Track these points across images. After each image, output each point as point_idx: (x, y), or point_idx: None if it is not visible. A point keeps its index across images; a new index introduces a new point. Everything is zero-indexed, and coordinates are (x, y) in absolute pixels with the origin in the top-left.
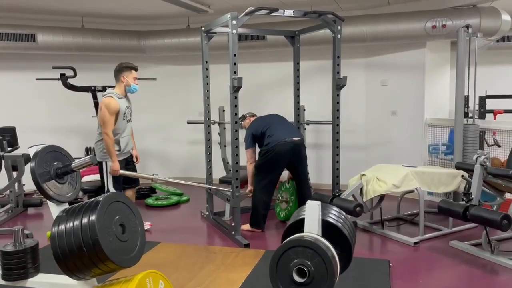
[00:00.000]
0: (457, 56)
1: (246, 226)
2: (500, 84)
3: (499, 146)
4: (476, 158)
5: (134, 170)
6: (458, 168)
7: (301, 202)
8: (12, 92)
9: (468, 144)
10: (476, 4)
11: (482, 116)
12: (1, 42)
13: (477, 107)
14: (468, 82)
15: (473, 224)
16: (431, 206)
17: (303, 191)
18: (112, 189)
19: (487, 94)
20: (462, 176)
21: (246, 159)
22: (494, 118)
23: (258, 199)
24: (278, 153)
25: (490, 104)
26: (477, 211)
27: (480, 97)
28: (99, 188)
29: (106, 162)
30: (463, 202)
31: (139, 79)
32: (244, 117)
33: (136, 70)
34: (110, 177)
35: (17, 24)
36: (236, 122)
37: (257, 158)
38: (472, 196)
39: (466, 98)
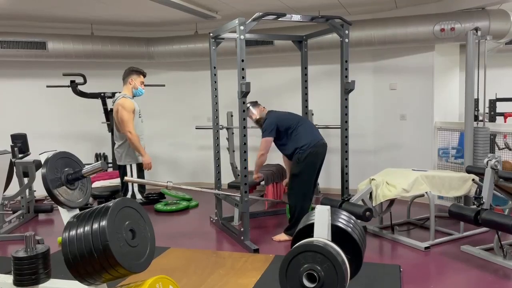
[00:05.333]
0: (466, 59)
1: (283, 236)
2: (510, 86)
3: (510, 149)
4: (487, 162)
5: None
6: (468, 171)
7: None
8: (23, 99)
9: (479, 147)
10: (485, 7)
11: (492, 119)
12: (12, 50)
13: (487, 110)
14: (478, 85)
15: (484, 229)
16: (442, 210)
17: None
18: (137, 193)
19: (497, 97)
20: (473, 180)
21: (260, 148)
22: (505, 121)
23: (303, 209)
24: (319, 155)
25: (501, 107)
26: (489, 215)
27: (490, 100)
28: (114, 192)
29: (131, 165)
30: (474, 206)
31: (147, 85)
32: (254, 103)
33: (144, 75)
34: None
35: (27, 32)
36: (244, 127)
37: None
38: (483, 200)
39: (476, 101)
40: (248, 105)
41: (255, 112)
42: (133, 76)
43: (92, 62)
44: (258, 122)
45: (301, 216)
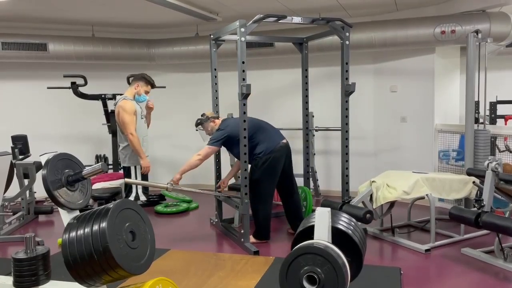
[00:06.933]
0: (466, 62)
1: (251, 239)
2: (511, 89)
3: (510, 151)
4: (488, 164)
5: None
6: (469, 174)
7: (291, 208)
8: (24, 100)
9: (479, 150)
10: (485, 9)
11: (493, 121)
12: (14, 52)
13: (487, 113)
14: (478, 87)
15: (485, 231)
16: (442, 213)
17: (293, 196)
18: (141, 195)
19: (498, 99)
20: (474, 182)
21: (200, 152)
22: (505, 124)
23: (264, 212)
24: (277, 159)
25: (501, 109)
26: (489, 218)
27: (490, 103)
28: (115, 194)
29: (135, 167)
30: (475, 209)
31: None
32: (207, 118)
33: (152, 86)
34: (140, 180)
35: (28, 34)
36: (244, 129)
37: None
38: (484, 202)
39: (477, 103)
40: (202, 117)
41: (207, 129)
42: (141, 83)
43: (93, 64)
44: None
45: (264, 220)
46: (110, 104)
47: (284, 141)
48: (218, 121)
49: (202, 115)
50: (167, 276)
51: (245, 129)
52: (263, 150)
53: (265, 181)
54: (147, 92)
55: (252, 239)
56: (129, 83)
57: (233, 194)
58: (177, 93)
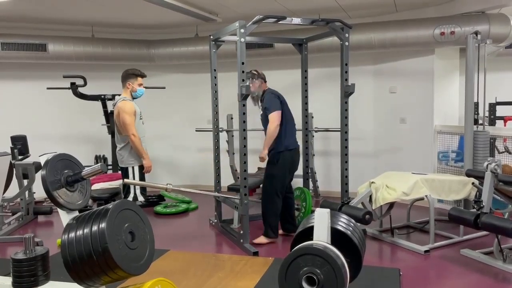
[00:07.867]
0: (466, 63)
1: (261, 239)
2: (510, 90)
3: (510, 153)
4: (487, 165)
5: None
6: (468, 175)
7: (286, 205)
8: (23, 101)
9: (478, 151)
10: (484, 11)
11: (492, 122)
12: (13, 52)
13: (487, 114)
14: (478, 88)
15: (484, 232)
16: (442, 214)
17: (290, 195)
18: (140, 196)
19: (497, 100)
20: (473, 183)
21: (273, 120)
22: (505, 125)
23: (276, 207)
24: (294, 158)
25: (500, 110)
26: (489, 219)
27: (490, 104)
28: (114, 194)
29: (133, 168)
30: (474, 210)
31: (148, 88)
32: (259, 76)
33: (142, 77)
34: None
35: (28, 34)
36: (244, 130)
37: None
38: (483, 203)
39: (476, 104)
40: (255, 73)
41: (254, 84)
42: (130, 80)
43: (92, 64)
44: (252, 95)
45: (273, 216)
46: (110, 105)
47: (298, 145)
48: (265, 85)
49: (253, 71)
50: (167, 276)
51: (244, 129)
52: (285, 145)
53: (280, 177)
54: (140, 85)
55: (262, 239)
56: None
57: (232, 194)
58: (177, 93)
